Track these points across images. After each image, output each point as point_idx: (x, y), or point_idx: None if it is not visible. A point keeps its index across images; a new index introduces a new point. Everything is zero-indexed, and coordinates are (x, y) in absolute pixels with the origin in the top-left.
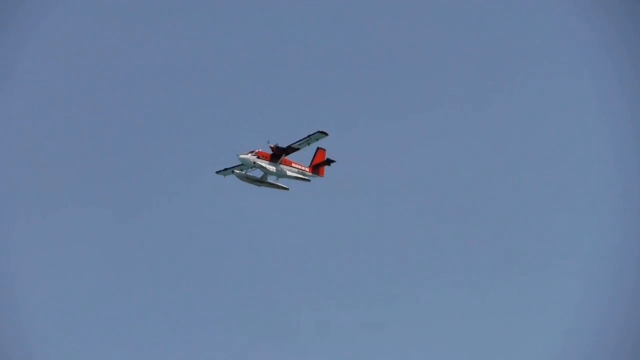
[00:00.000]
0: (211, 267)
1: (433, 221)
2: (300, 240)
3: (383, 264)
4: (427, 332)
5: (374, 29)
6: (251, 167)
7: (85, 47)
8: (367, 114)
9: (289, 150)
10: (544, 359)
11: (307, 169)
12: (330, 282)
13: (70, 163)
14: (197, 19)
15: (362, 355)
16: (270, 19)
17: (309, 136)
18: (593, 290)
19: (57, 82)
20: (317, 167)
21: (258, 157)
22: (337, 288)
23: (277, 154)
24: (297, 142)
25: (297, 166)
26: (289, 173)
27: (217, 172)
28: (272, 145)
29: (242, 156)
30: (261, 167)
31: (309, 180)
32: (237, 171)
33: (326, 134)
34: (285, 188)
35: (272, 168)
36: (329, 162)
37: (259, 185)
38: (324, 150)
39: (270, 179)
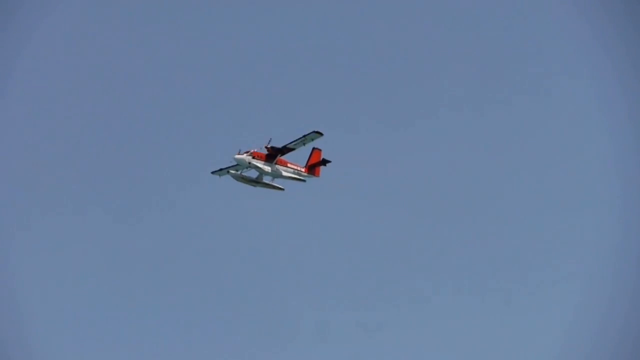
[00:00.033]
0: (207, 267)
1: (429, 221)
2: (296, 240)
3: (378, 264)
4: (423, 331)
5: (370, 29)
6: (246, 168)
7: (78, 50)
8: (363, 114)
9: (284, 150)
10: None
11: (302, 169)
12: (325, 282)
13: (65, 164)
14: (193, 20)
15: (358, 356)
16: (265, 19)
17: (304, 136)
18: (593, 290)
19: (50, 84)
20: (312, 168)
21: (253, 158)
22: (332, 288)
23: (273, 154)
24: (292, 142)
25: (292, 166)
26: (284, 173)
27: (212, 173)
28: (267, 146)
29: (237, 156)
30: (256, 168)
31: (304, 180)
32: (233, 171)
33: (321, 134)
34: (280, 188)
35: (267, 168)
36: (324, 162)
37: (254, 186)
38: (320, 150)
39: (266, 179)
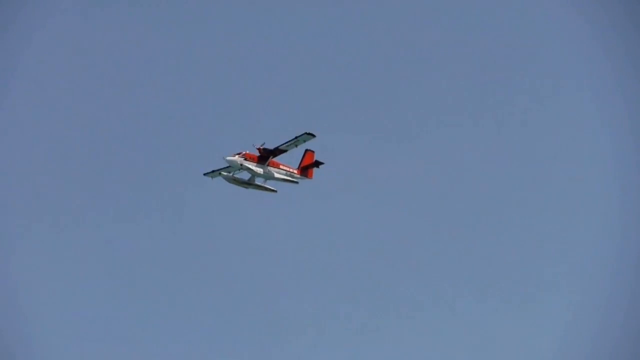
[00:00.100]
0: (199, 269)
1: (423, 223)
2: (289, 242)
3: (371, 266)
4: (416, 333)
5: (362, 28)
6: (238, 169)
7: (75, 52)
8: (357, 115)
9: (277, 152)
10: None
11: (295, 171)
12: (317, 284)
13: (60, 165)
14: (185, 22)
15: (351, 356)
16: (257, 20)
17: (296, 138)
18: (592, 291)
19: (46, 86)
20: (305, 169)
21: (245, 159)
22: (324, 290)
23: (265, 156)
24: (284, 143)
25: (285, 168)
26: (276, 175)
27: (204, 174)
28: (259, 147)
29: (228, 158)
30: (248, 169)
31: (297, 182)
32: (225, 173)
33: (314, 136)
34: (273, 190)
35: (259, 170)
36: (317, 164)
37: (246, 188)
38: (313, 152)
39: (258, 181)
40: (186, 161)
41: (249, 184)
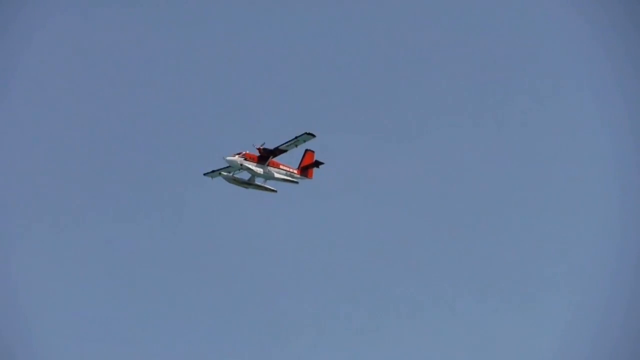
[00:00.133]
0: (199, 269)
1: (422, 223)
2: (289, 242)
3: (371, 266)
4: (414, 332)
5: (363, 29)
6: (238, 169)
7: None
8: (357, 115)
9: (277, 152)
10: None
11: (295, 171)
12: (318, 284)
13: (61, 167)
14: (186, 22)
15: (351, 357)
16: (258, 19)
17: (296, 138)
18: (591, 292)
19: (45, 86)
20: (305, 169)
21: (245, 159)
22: (324, 290)
23: (265, 156)
24: (284, 143)
25: (285, 168)
26: (276, 175)
27: (204, 174)
28: (259, 147)
29: (228, 158)
30: (248, 169)
31: (297, 182)
32: (225, 173)
33: (314, 136)
34: (273, 190)
35: (259, 170)
36: (317, 164)
37: (246, 188)
38: (313, 152)
39: (258, 181)
40: (186, 161)
41: (249, 184)
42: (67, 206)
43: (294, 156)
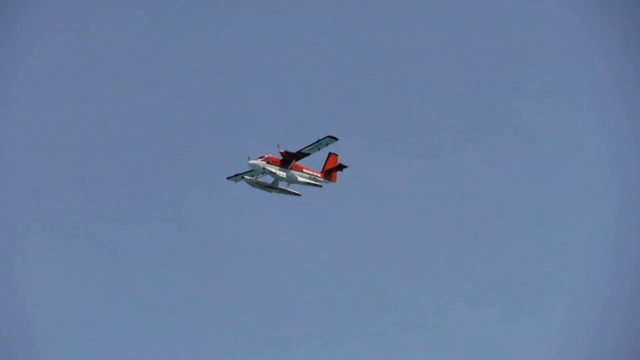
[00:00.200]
0: (222, 274)
1: (448, 229)
2: (312, 246)
3: (396, 272)
4: (439, 343)
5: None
6: (261, 173)
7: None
8: (382, 118)
9: (299, 155)
10: None
11: (319, 175)
12: (341, 289)
13: (78, 169)
14: (208, 22)
15: None
16: (282, 21)
17: (318, 141)
18: (591, 293)
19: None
20: (329, 173)
21: (268, 163)
22: (348, 295)
23: (287, 160)
24: (306, 147)
25: (308, 172)
26: (299, 179)
27: (228, 178)
28: (281, 151)
29: (251, 162)
30: (271, 173)
31: (320, 185)
32: (248, 177)
33: (336, 139)
34: (297, 194)
35: (282, 174)
36: (341, 167)
37: (269, 191)
38: (336, 155)
39: (282, 185)
40: (209, 165)
41: (272, 187)
42: (85, 210)
43: (318, 160)
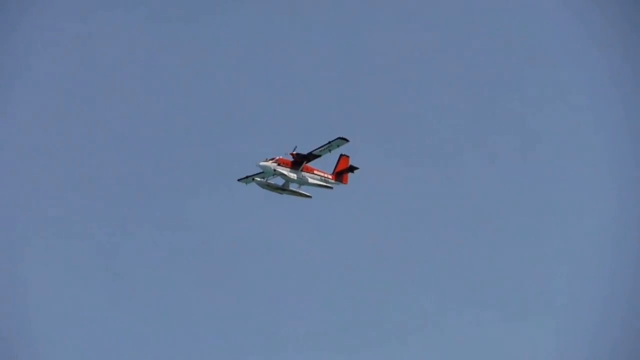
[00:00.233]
0: (233, 275)
1: (453, 230)
2: (323, 248)
3: (406, 275)
4: (444, 344)
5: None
6: (272, 175)
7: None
8: (393, 119)
9: (310, 157)
10: None
11: (330, 176)
12: (351, 292)
13: (89, 170)
14: (214, 23)
15: None
16: (293, 23)
17: (329, 142)
18: (591, 294)
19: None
20: (340, 174)
21: (278, 165)
22: (358, 298)
23: (298, 161)
24: (317, 148)
25: (319, 173)
26: (310, 180)
27: (238, 180)
28: (292, 152)
29: (262, 163)
30: (282, 175)
31: (331, 187)
32: (258, 179)
33: (347, 141)
34: (307, 196)
35: (292, 175)
36: (352, 169)
37: (280, 193)
38: (348, 157)
39: (292, 187)
40: (220, 167)
41: (283, 189)
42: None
43: (329, 161)
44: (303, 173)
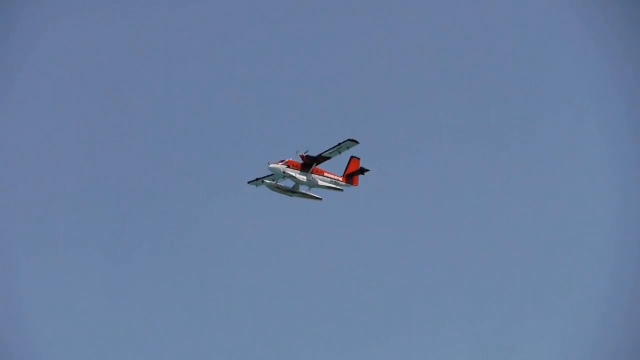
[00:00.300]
0: (242, 278)
1: (471, 234)
2: (334, 251)
3: (417, 277)
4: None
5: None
6: (282, 177)
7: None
8: (404, 121)
9: (320, 159)
10: None
11: (340, 179)
12: (362, 295)
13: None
14: (220, 23)
15: None
16: (300, 26)
17: (339, 144)
18: (592, 293)
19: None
20: (351, 177)
21: (288, 167)
22: (369, 301)
23: (308, 164)
24: (327, 150)
25: (330, 176)
26: (320, 183)
27: (249, 183)
28: (302, 155)
29: (272, 166)
30: (292, 177)
31: (342, 190)
32: (268, 181)
33: (357, 142)
34: (318, 198)
35: (302, 178)
36: (362, 171)
37: (290, 196)
38: (359, 159)
39: (303, 189)
40: (229, 170)
41: (293, 192)
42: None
43: (340, 163)
44: (313, 175)
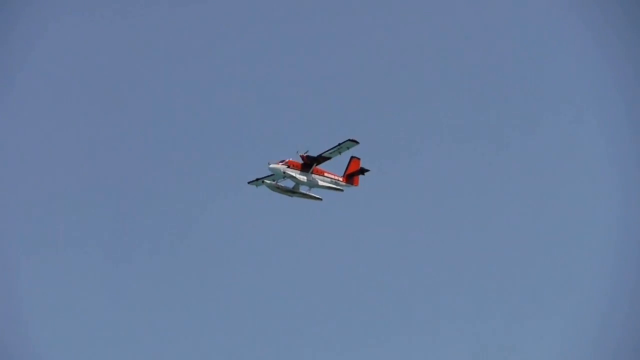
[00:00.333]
0: (242, 278)
1: (472, 234)
2: (334, 251)
3: (417, 278)
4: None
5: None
6: (282, 177)
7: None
8: (404, 120)
9: (320, 159)
10: None
11: (340, 179)
12: (362, 295)
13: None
14: (221, 23)
15: None
16: (300, 26)
17: (339, 144)
18: (592, 294)
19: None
20: (351, 177)
21: (288, 167)
22: (369, 301)
23: (308, 164)
24: (327, 150)
25: (330, 176)
26: (320, 183)
27: (248, 183)
28: (302, 155)
29: (272, 166)
30: (292, 177)
31: (342, 190)
32: (268, 181)
33: (357, 142)
34: (318, 198)
35: (302, 178)
36: (363, 171)
37: (290, 196)
38: (359, 159)
39: (303, 189)
40: (229, 170)
41: (293, 192)
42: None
43: (340, 163)
44: (313, 175)
